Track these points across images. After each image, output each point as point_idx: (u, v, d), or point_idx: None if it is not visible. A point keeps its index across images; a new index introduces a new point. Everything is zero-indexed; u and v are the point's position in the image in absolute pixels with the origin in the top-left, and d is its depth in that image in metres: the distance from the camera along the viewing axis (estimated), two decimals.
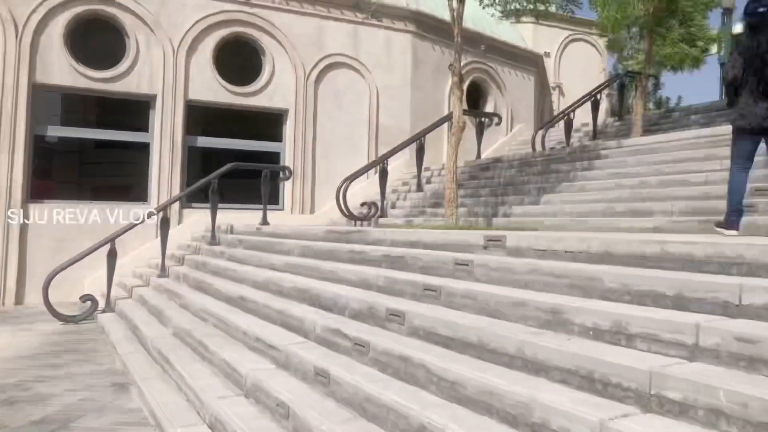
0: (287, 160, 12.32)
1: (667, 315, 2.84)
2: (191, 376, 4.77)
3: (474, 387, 2.99)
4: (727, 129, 6.73)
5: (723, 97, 16.72)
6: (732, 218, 4.88)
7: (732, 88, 4.95)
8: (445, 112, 12.54)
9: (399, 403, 3.11)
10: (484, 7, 8.67)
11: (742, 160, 4.94)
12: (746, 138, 4.89)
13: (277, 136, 12.61)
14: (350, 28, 13.04)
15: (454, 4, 7.75)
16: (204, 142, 12.13)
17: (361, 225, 9.47)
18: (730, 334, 2.49)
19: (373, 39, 13.25)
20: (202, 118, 12.21)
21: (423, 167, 11.46)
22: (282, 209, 12.27)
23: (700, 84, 44.62)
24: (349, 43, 13.02)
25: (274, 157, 12.48)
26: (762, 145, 4.95)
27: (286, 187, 12.30)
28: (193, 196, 10.77)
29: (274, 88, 12.29)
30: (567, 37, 19.56)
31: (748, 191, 5.73)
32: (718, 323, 2.61)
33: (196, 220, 10.75)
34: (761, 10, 4.84)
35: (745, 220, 5.35)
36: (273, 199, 11.62)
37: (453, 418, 2.86)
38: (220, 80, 11.83)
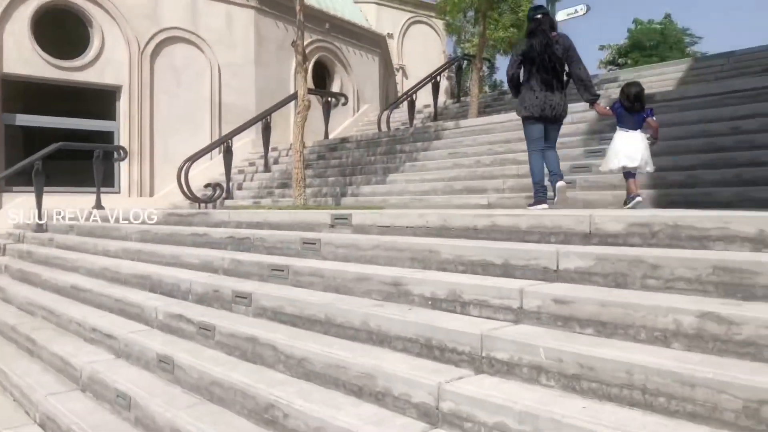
0: (122, 139, 11.55)
1: (496, 282, 3.08)
2: (17, 373, 4.38)
3: (321, 362, 3.05)
4: None
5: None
6: (539, 195, 5.50)
7: (512, 84, 5.76)
8: (292, 91, 12.43)
9: (246, 384, 3.09)
10: None
11: (534, 142, 5.64)
12: (531, 123, 5.62)
13: (110, 114, 11.77)
14: (188, 0, 12.42)
15: None
16: (25, 120, 11.03)
17: (205, 207, 9.17)
18: (549, 296, 2.76)
19: (213, 13, 12.74)
20: (22, 94, 11.05)
21: (270, 147, 11.30)
22: (118, 192, 11.52)
23: None
24: (187, 17, 12.41)
25: (108, 137, 11.65)
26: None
27: (123, 169, 11.56)
28: (14, 179, 9.77)
29: (105, 63, 11.43)
30: (409, 19, 20.15)
31: (569, 167, 6.40)
32: (539, 287, 2.88)
33: (18, 205, 9.76)
34: (538, 16, 5.60)
35: (570, 193, 5.93)
36: (108, 181, 10.88)
37: (300, 393, 2.90)
38: (42, 53, 10.78)
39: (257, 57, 13.36)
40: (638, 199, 5.10)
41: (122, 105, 11.67)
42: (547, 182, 5.60)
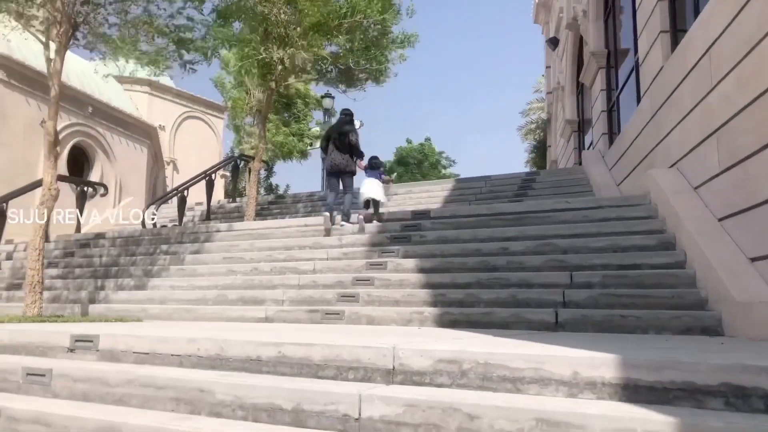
0: None
1: None
2: None
3: None
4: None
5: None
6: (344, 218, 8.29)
7: (323, 149, 9.09)
8: (41, 176, 10.77)
9: None
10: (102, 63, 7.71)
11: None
12: (330, 177, 8.77)
13: None
14: None
15: (51, 54, 6.67)
16: None
17: None
18: None
19: None
20: None
21: (4, 239, 9.50)
22: None
23: (305, 174, 49.77)
24: None
25: None
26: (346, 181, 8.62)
27: None
28: None
29: None
30: (183, 114, 19.40)
31: (352, 280, 6.15)
32: None
33: None
34: (343, 116, 8.87)
35: (349, 310, 5.62)
36: None
37: None
38: None
39: None
40: (363, 224, 7.73)
41: None
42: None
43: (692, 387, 2.26)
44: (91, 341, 3.78)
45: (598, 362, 2.45)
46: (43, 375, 3.48)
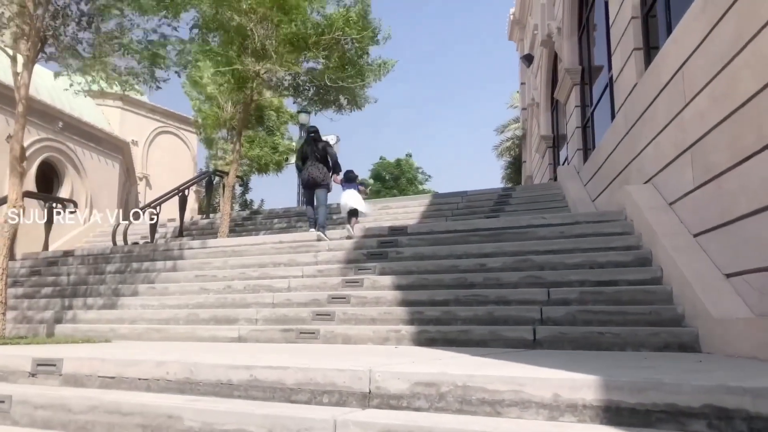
0: None
1: None
2: None
3: None
4: (305, 236, 8.14)
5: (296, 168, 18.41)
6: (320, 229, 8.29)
7: (298, 168, 9.14)
8: (6, 193, 10.49)
9: None
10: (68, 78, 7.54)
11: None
12: (307, 190, 9.02)
13: None
14: None
15: (19, 68, 6.50)
16: None
17: None
18: None
19: None
20: None
21: None
22: None
23: (280, 189, 49.50)
24: None
25: None
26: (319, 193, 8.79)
27: None
28: None
29: None
30: (156, 129, 19.14)
31: (327, 298, 6.05)
32: None
33: None
34: (312, 134, 9.08)
35: (324, 329, 5.51)
36: None
37: None
38: None
39: None
40: (354, 234, 8.00)
41: None
42: None
43: (675, 409, 2.21)
44: (54, 365, 3.62)
45: (579, 384, 2.39)
46: (3, 402, 3.31)
